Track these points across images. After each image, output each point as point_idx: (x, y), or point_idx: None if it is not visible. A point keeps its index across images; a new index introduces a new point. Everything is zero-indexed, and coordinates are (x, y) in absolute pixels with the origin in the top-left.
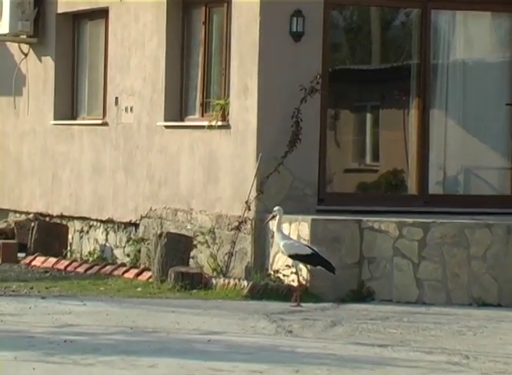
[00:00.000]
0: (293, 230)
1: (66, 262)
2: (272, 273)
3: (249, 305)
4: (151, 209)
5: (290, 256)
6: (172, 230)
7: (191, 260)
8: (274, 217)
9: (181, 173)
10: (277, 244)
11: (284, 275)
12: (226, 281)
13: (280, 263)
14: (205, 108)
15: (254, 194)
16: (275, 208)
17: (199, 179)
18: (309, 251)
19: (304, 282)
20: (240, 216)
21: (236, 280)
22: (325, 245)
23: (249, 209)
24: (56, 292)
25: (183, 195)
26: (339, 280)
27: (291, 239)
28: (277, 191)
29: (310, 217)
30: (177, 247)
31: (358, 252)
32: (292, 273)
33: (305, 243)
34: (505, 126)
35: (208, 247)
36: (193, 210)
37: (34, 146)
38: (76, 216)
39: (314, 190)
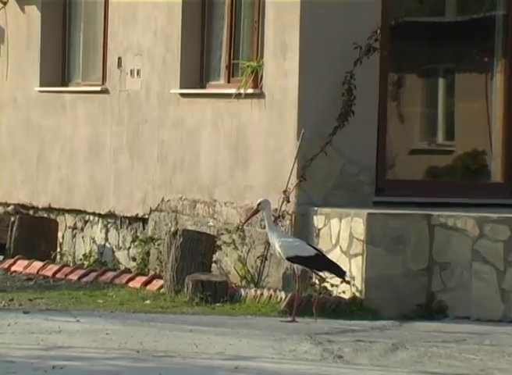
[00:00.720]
0: (344, 227)
1: (55, 268)
2: (317, 281)
3: (287, 322)
4: (163, 201)
5: (289, 259)
6: (190, 227)
7: (214, 265)
8: (257, 212)
9: (201, 154)
10: (272, 246)
11: (332, 285)
12: (259, 292)
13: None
14: (232, 71)
15: (294, 181)
16: (260, 200)
17: (224, 162)
18: (313, 252)
19: (355, 293)
20: (276, 210)
21: (271, 291)
22: (385, 247)
23: (287, 201)
24: (42, 305)
25: (203, 183)
26: (402, 292)
27: (290, 237)
28: (323, 177)
29: (365, 211)
30: (196, 248)
31: (427, 256)
32: (342, 281)
33: (305, 242)
34: None
35: (236, 248)
36: (217, 202)
37: (15, 119)
38: (67, 208)
39: (370, 176)
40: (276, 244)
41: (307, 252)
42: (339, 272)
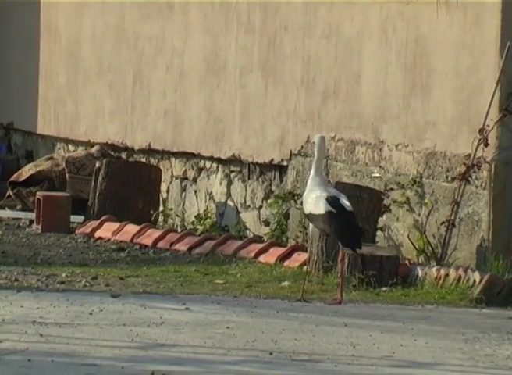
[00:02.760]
0: None
1: (157, 234)
2: None
3: (483, 315)
4: (308, 141)
5: (308, 218)
6: (347, 180)
7: (379, 234)
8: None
9: (364, 76)
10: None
11: None
12: (442, 272)
13: None
14: None
15: (495, 115)
16: (316, 136)
17: (396, 88)
18: (323, 209)
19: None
20: (468, 156)
21: (461, 272)
22: None
23: (485, 144)
24: (138, 286)
25: (366, 117)
26: None
27: (327, 187)
28: None
29: None
30: (356, 209)
31: None
32: None
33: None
34: None
35: (411, 210)
36: (385, 143)
37: (103, 25)
38: (174, 150)
39: None
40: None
41: (320, 209)
42: (344, 241)
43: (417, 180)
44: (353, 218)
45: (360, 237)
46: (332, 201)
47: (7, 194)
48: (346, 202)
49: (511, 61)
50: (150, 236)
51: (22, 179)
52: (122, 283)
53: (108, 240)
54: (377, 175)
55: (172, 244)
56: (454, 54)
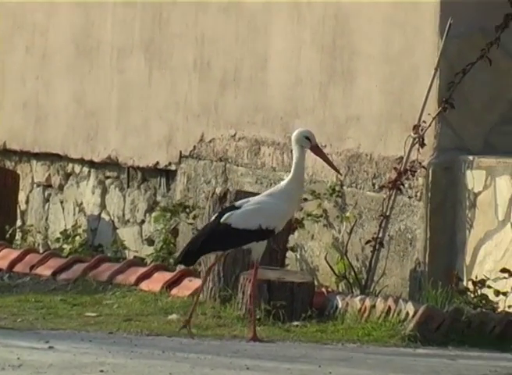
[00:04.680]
0: None
1: (14, 254)
2: (471, 286)
3: (418, 356)
4: (202, 140)
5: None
6: (250, 188)
7: (290, 254)
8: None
9: (271, 59)
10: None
11: (499, 292)
12: (368, 303)
13: (491, 266)
14: None
15: (432, 109)
16: (298, 131)
17: (311, 73)
18: (256, 224)
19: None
20: (400, 159)
21: (390, 302)
22: None
23: (421, 145)
24: None
25: (274, 110)
26: None
27: (283, 191)
28: (485, 103)
29: None
30: None
31: None
32: None
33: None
34: None
35: (329, 226)
36: None
37: None
38: (36, 151)
39: None
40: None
41: (253, 224)
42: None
43: (337, 188)
44: (213, 229)
45: (200, 252)
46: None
47: None
48: (233, 213)
49: (453, 42)
50: (5, 257)
51: None
52: None
53: None
54: None
55: (32, 268)
56: (383, 33)
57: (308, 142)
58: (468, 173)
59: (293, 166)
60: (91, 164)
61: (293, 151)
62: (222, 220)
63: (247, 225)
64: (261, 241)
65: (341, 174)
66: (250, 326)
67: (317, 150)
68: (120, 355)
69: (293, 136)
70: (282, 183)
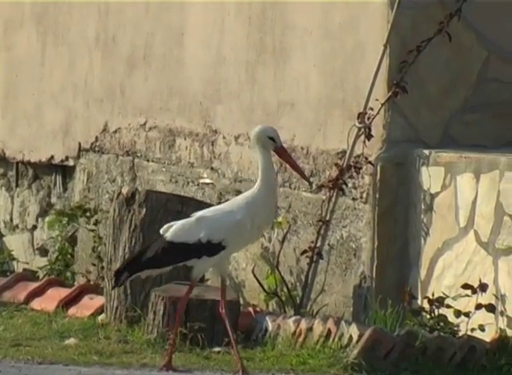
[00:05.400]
0: (486, 192)
1: None
2: (427, 305)
3: None
4: (106, 130)
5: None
6: (163, 187)
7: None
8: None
9: (188, 34)
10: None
11: (460, 312)
12: (304, 325)
13: (450, 281)
14: None
15: (381, 94)
16: (260, 129)
17: (236, 50)
18: (195, 237)
19: (506, 332)
20: (342, 154)
21: (330, 324)
22: None
23: (368, 137)
24: None
25: (191, 94)
26: None
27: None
28: (443, 86)
29: None
30: None
31: None
32: (479, 307)
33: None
34: None
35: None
36: (220, 134)
37: None
38: None
39: None
40: None
41: (192, 237)
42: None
43: None
44: (151, 244)
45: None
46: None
47: None
48: (173, 224)
49: (406, 13)
50: None
51: None
52: None
53: None
54: (207, 181)
55: None
56: (322, 3)
57: (272, 143)
58: (424, 170)
59: (260, 170)
60: None
61: (255, 153)
62: (161, 232)
63: (186, 238)
64: (204, 257)
65: (311, 184)
66: (167, 352)
67: (282, 152)
68: None
69: (253, 134)
70: (250, 190)
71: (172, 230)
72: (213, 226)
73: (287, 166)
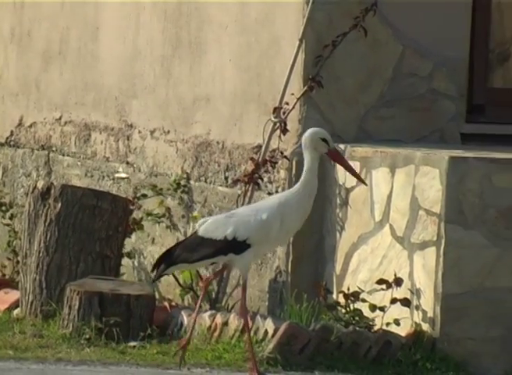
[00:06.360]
0: (401, 187)
1: None
2: (342, 300)
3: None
4: (21, 124)
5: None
6: (78, 182)
7: (126, 261)
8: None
9: (103, 28)
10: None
11: (375, 307)
12: (219, 320)
13: (366, 276)
14: None
15: (296, 88)
16: (313, 131)
17: (152, 44)
18: (221, 234)
19: (421, 327)
20: (258, 148)
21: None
22: (486, 229)
23: (283, 131)
24: None
25: (106, 88)
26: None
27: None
28: (359, 81)
29: (445, 154)
30: (90, 225)
31: None
32: (395, 301)
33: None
34: None
35: (173, 227)
36: (135, 128)
37: None
38: None
39: (458, 81)
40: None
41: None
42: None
43: (183, 182)
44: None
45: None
46: None
47: None
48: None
49: (321, 8)
50: None
51: None
52: None
53: None
54: (123, 175)
55: None
56: None
57: (325, 145)
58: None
59: (304, 173)
60: None
61: (305, 156)
62: (196, 227)
63: (214, 234)
64: (230, 255)
65: (366, 184)
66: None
67: (335, 154)
68: None
69: (306, 137)
70: (287, 190)
71: (204, 225)
72: (240, 224)
73: (203, 160)
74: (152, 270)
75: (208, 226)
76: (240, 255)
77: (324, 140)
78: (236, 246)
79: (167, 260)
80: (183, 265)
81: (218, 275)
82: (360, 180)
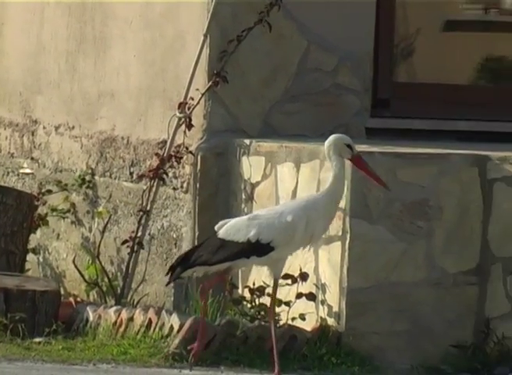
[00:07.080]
0: (307, 182)
1: None
2: (248, 295)
3: None
4: None
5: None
6: None
7: (31, 257)
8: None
9: (8, 23)
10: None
11: (281, 302)
12: (124, 315)
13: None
14: None
15: (201, 83)
16: (337, 137)
17: (56, 39)
18: (244, 236)
19: (327, 321)
20: (163, 144)
21: (151, 314)
22: (390, 224)
23: (188, 126)
24: None
25: (11, 84)
26: (425, 320)
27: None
28: (264, 76)
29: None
30: None
31: (478, 245)
32: (300, 296)
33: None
34: None
35: (78, 223)
36: (40, 124)
37: None
38: None
39: (363, 76)
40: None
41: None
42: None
43: (88, 178)
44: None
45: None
46: None
47: None
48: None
49: (226, 3)
50: None
51: None
52: None
53: None
54: (28, 171)
55: None
56: None
57: (349, 151)
58: (244, 159)
59: (331, 178)
60: None
61: (331, 162)
62: (215, 229)
63: (236, 236)
64: (253, 257)
65: (389, 190)
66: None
67: (358, 160)
68: None
69: (330, 143)
70: (314, 194)
71: (224, 227)
72: (263, 226)
73: (107, 155)
74: (167, 273)
75: (229, 228)
76: (263, 258)
77: (348, 146)
78: (259, 248)
79: (183, 263)
80: (200, 267)
81: (214, 283)
82: (384, 186)
